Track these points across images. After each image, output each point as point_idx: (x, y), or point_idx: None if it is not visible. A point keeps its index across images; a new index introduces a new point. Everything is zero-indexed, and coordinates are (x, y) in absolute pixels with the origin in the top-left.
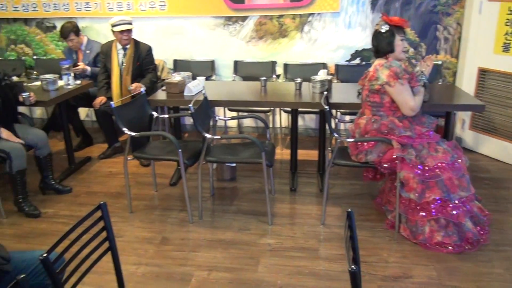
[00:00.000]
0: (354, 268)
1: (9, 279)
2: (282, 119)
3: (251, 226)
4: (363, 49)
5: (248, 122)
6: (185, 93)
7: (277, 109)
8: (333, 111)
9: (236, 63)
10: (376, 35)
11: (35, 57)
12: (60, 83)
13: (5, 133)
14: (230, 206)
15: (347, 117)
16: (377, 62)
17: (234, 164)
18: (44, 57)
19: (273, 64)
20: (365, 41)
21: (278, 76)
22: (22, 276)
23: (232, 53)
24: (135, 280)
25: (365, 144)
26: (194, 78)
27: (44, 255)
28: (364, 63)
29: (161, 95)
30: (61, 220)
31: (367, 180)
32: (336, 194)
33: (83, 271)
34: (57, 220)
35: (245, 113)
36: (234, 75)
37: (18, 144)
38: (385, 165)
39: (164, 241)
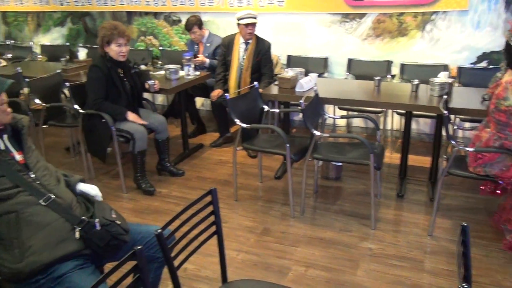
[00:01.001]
0: (466, 286)
1: (127, 249)
2: (394, 122)
3: (353, 228)
4: (492, 52)
5: (357, 122)
6: (297, 89)
7: (389, 111)
8: (452, 116)
9: (350, 61)
10: (508, 47)
11: (161, 48)
12: (181, 73)
13: (132, 116)
14: (333, 205)
15: (467, 124)
16: (509, 77)
17: (340, 164)
18: (169, 49)
19: (388, 63)
20: (495, 43)
21: (393, 76)
22: (139, 247)
23: (346, 51)
24: (235, 266)
25: (486, 155)
26: (306, 74)
27: (159, 230)
28: (491, 66)
29: (273, 89)
30: (172, 200)
31: (484, 194)
32: (448, 205)
33: (190, 250)
34: (169, 200)
35: (356, 113)
36: (347, 73)
37: (142, 127)
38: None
39: (265, 232)
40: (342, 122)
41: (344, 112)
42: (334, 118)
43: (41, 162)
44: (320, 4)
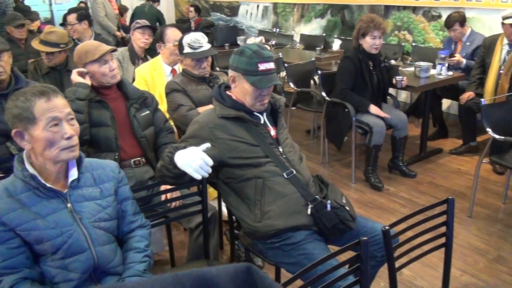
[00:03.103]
0: None
1: (350, 237)
2: None
3: None
4: None
5: None
6: None
7: None
8: None
9: None
10: None
11: (414, 44)
12: (432, 71)
13: (374, 109)
14: None
15: None
16: None
17: None
18: (422, 45)
19: None
20: None
21: None
22: (364, 238)
23: None
24: (455, 286)
25: None
26: None
27: (387, 227)
28: None
29: None
30: (399, 200)
31: None
32: None
33: (412, 257)
34: (395, 199)
35: None
36: None
37: (381, 121)
38: None
39: (499, 259)
40: None
41: None
42: None
43: (289, 140)
44: None
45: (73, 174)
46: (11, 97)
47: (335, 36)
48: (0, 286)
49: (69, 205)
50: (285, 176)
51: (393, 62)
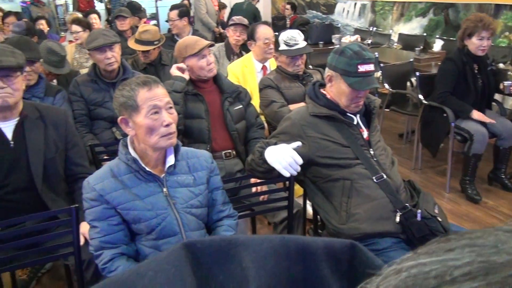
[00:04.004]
0: None
1: None
2: None
3: None
4: None
5: None
6: None
7: None
8: None
9: None
10: None
11: None
12: None
13: (477, 114)
14: None
15: None
16: None
17: None
18: None
19: None
20: None
21: None
22: None
23: None
24: None
25: None
26: None
27: None
28: None
29: None
30: (498, 215)
31: None
32: None
33: None
34: (494, 214)
35: None
36: None
37: (484, 129)
38: None
39: None
40: None
41: None
42: None
43: (381, 142)
44: None
45: (170, 160)
46: (119, 87)
47: (437, 36)
48: (101, 257)
49: (165, 189)
50: (375, 180)
51: (501, 65)
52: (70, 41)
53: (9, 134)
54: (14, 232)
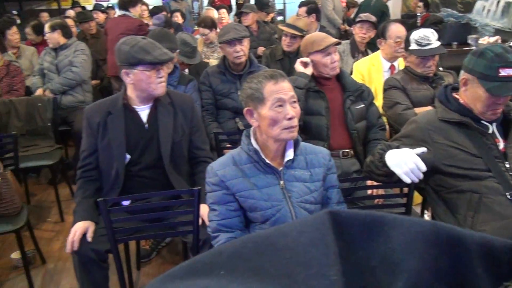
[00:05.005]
0: None
1: None
2: None
3: None
4: None
5: None
6: None
7: None
8: None
9: None
10: None
11: None
12: None
13: None
14: None
15: None
16: None
17: None
18: None
19: None
20: None
21: None
22: None
23: None
24: None
25: None
26: None
27: None
28: None
29: None
30: None
31: None
32: None
33: None
34: None
35: None
36: None
37: None
38: None
39: None
40: None
41: None
42: None
43: None
44: None
45: (289, 154)
46: (247, 80)
47: None
48: (217, 239)
49: (281, 182)
50: (508, 196)
51: None
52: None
53: (144, 117)
54: (143, 205)
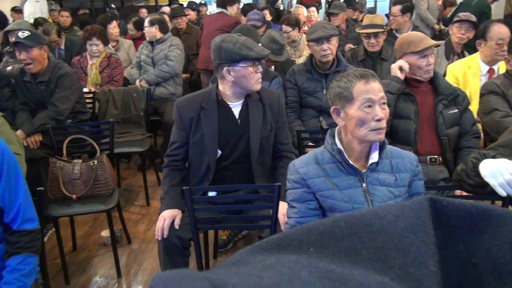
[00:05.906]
0: None
1: None
2: None
3: None
4: None
5: None
6: None
7: None
8: None
9: None
10: None
11: None
12: None
13: None
14: None
15: None
16: None
17: None
18: None
19: None
20: None
21: None
22: None
23: None
24: None
25: None
26: None
27: None
28: None
29: None
30: None
31: None
32: None
33: None
34: None
35: None
36: None
37: None
38: None
39: None
40: None
41: None
42: None
43: None
44: None
45: (374, 157)
46: (336, 78)
47: None
48: None
49: (364, 185)
50: None
51: None
52: None
53: (236, 114)
54: (226, 197)
